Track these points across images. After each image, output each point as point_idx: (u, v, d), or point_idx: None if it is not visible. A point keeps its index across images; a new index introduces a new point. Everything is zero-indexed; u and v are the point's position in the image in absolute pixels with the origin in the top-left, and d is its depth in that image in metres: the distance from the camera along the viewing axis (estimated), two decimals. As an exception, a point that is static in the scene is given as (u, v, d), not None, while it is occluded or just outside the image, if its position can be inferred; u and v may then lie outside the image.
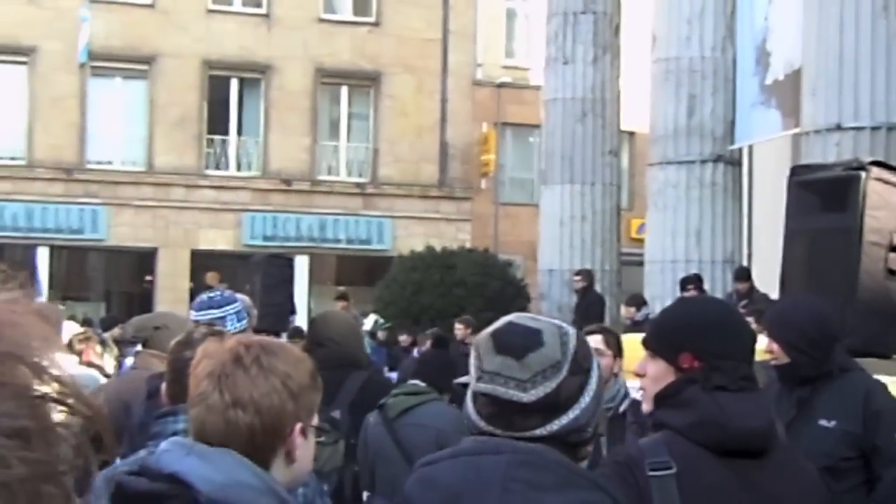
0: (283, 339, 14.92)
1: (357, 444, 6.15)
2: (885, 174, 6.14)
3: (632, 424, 5.01)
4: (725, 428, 3.05)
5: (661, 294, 16.56)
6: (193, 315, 5.53)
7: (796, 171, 6.69)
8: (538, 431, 2.29)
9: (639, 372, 3.22)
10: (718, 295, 15.80)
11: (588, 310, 17.20)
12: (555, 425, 2.28)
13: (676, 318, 3.31)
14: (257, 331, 14.16)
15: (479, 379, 2.34)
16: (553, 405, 2.29)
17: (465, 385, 4.93)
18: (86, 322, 15.54)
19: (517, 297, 20.30)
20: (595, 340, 5.28)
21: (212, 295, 5.64)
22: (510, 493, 2.19)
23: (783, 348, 4.97)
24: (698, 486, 3.02)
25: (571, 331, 2.38)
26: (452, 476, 2.24)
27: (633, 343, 5.03)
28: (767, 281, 10.67)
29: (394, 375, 17.00)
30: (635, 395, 4.96)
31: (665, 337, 3.24)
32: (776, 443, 3.16)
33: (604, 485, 2.31)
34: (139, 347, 6.54)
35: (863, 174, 6.04)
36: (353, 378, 6.27)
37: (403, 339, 17.55)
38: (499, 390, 2.30)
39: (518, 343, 2.32)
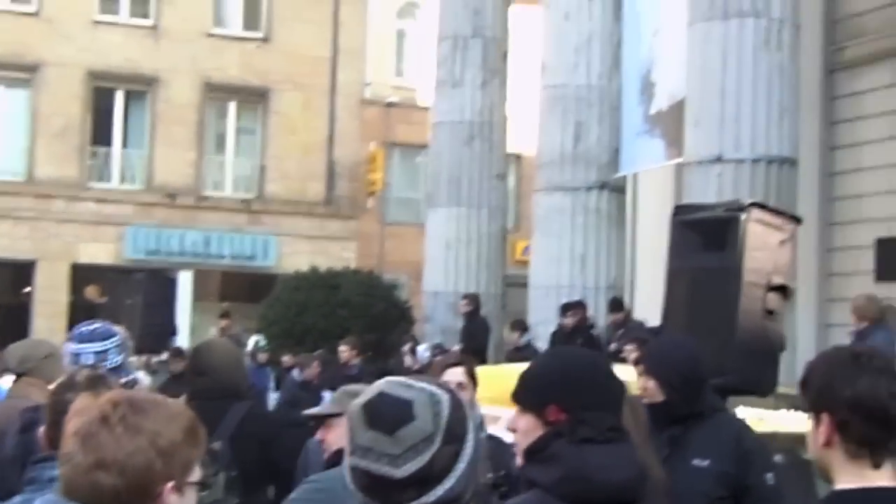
0: (164, 356, 14.78)
1: (237, 476, 6.09)
2: (765, 216, 6.26)
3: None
4: (590, 482, 3.02)
5: (544, 319, 16.69)
6: (74, 347, 5.42)
7: (679, 210, 6.79)
8: None
9: (510, 427, 3.21)
10: (601, 321, 16.00)
11: (473, 335, 17.27)
12: (430, 497, 2.27)
13: (542, 370, 3.26)
14: (139, 351, 14.00)
15: (352, 453, 2.31)
16: (426, 478, 2.27)
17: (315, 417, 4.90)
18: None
19: (401, 319, 20.28)
20: (457, 374, 5.31)
21: (94, 327, 5.53)
22: None
23: (660, 386, 5.02)
24: None
25: (445, 397, 2.34)
26: None
27: (503, 373, 5.07)
28: (651, 307, 10.81)
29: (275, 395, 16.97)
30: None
31: (531, 390, 3.20)
32: (646, 492, 3.14)
33: None
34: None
35: (742, 215, 6.16)
36: (234, 409, 6.20)
37: (286, 359, 17.44)
38: (371, 466, 2.28)
39: (389, 417, 2.28)
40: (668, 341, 5.91)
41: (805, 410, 2.93)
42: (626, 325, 14.95)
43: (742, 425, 5.48)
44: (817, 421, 2.87)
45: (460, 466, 2.31)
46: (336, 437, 4.72)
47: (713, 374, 5.99)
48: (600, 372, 3.29)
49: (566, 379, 3.23)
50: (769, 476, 5.18)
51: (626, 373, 5.68)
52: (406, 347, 16.68)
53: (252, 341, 18.36)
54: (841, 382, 2.81)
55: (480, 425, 5.47)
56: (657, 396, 5.01)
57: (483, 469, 2.37)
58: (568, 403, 3.14)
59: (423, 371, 14.45)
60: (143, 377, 10.25)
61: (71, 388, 3.71)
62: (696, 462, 4.99)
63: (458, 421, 2.33)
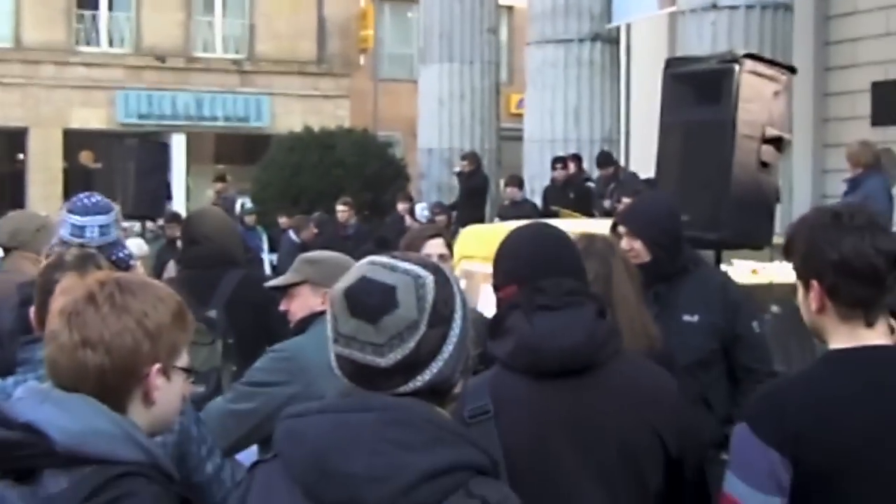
0: (160, 223, 14.76)
1: (234, 343, 6.11)
2: (759, 67, 6.16)
3: None
4: (537, 351, 3.03)
5: (539, 173, 16.65)
6: (78, 220, 5.33)
7: (671, 63, 6.68)
8: (401, 389, 2.24)
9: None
10: (595, 176, 15.95)
11: (473, 193, 17.23)
12: (417, 382, 2.24)
13: (498, 251, 3.32)
14: (133, 216, 13.95)
15: (335, 341, 2.27)
16: (413, 364, 2.23)
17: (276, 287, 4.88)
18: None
19: (396, 177, 20.21)
20: (437, 245, 5.28)
21: (95, 199, 5.44)
22: (378, 455, 2.15)
23: (647, 246, 4.99)
24: (517, 421, 3.00)
25: (429, 279, 2.27)
26: (318, 434, 2.19)
27: (499, 230, 5.04)
28: (645, 160, 10.75)
29: (273, 257, 17.01)
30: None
31: (494, 272, 3.28)
32: (606, 356, 3.10)
33: (473, 439, 2.28)
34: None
35: (736, 67, 6.05)
36: (228, 276, 6.18)
37: (282, 221, 17.42)
38: (356, 355, 2.24)
39: (372, 305, 2.23)
40: (648, 199, 5.88)
41: (795, 275, 2.91)
42: (617, 179, 14.91)
43: (725, 277, 5.51)
44: (807, 287, 2.86)
45: (447, 349, 2.27)
46: (299, 306, 4.68)
47: (707, 229, 5.98)
48: (547, 238, 3.30)
49: (510, 253, 3.28)
50: (755, 324, 5.23)
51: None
52: (403, 207, 16.64)
53: (238, 205, 18.29)
54: (825, 246, 2.79)
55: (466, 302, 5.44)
56: (644, 256, 4.98)
57: (472, 346, 2.31)
58: (519, 276, 3.14)
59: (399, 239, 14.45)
60: (142, 244, 10.22)
61: (59, 267, 3.67)
62: (686, 318, 5.00)
63: (445, 302, 2.28)
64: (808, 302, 2.86)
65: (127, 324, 2.36)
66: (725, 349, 5.16)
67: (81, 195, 5.52)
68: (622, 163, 17.30)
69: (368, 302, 2.25)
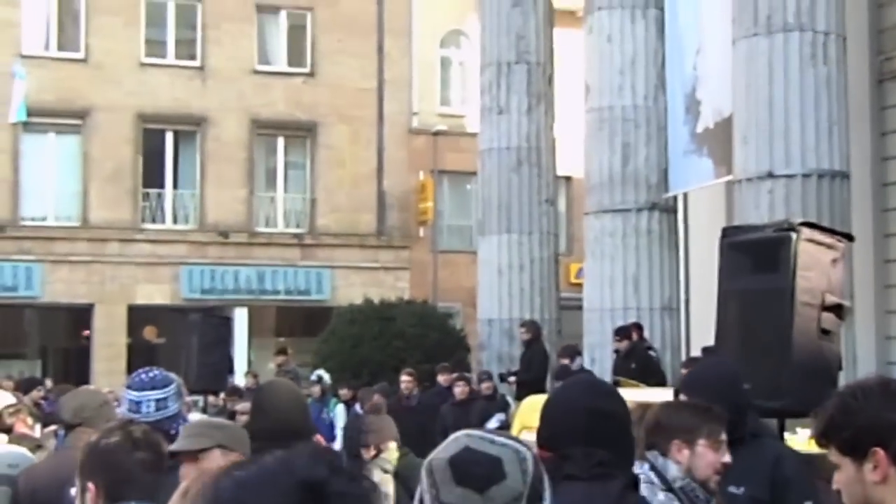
0: (220, 398, 14.85)
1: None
2: (816, 234, 6.20)
3: None
4: None
5: (600, 342, 16.63)
6: (134, 395, 5.41)
7: (727, 231, 6.74)
8: None
9: None
10: (657, 343, 15.90)
11: (531, 363, 17.21)
12: None
13: (541, 411, 3.31)
14: (195, 391, 14.05)
15: None
16: None
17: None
18: (18, 386, 15.24)
19: (457, 347, 20.26)
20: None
21: (152, 374, 5.54)
22: None
23: None
24: None
25: (529, 455, 2.30)
26: None
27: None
28: (705, 328, 10.73)
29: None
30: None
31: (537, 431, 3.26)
32: None
33: None
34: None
35: (793, 235, 6.09)
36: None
37: (343, 392, 17.46)
38: None
39: (480, 475, 2.24)
40: (710, 366, 5.82)
41: (841, 451, 2.81)
42: (631, 352, 15.05)
43: (782, 451, 5.36)
44: (860, 460, 2.76)
45: None
46: (204, 471, 4.63)
47: (769, 397, 5.94)
48: (585, 407, 3.25)
49: (548, 419, 3.26)
50: None
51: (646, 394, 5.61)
52: (444, 378, 16.78)
53: (315, 376, 18.36)
54: (886, 412, 2.73)
55: None
56: None
57: None
58: (552, 442, 3.13)
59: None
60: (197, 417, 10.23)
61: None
62: (732, 489, 4.89)
63: (539, 479, 2.30)
64: (863, 475, 2.76)
65: None
66: None
67: (140, 371, 5.61)
68: (682, 330, 17.25)
69: (476, 472, 2.24)
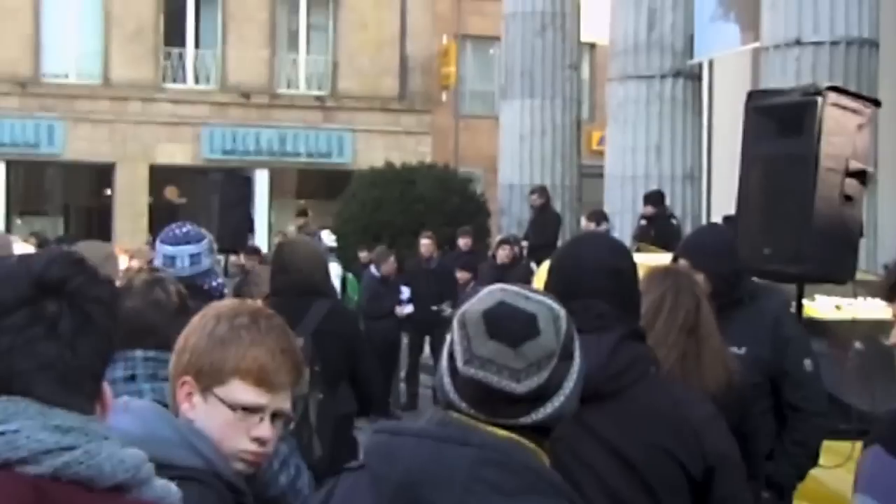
0: (241, 257, 14.93)
1: (320, 371, 6.17)
2: (842, 99, 6.13)
3: None
4: None
5: (620, 209, 16.63)
6: (169, 249, 5.42)
7: (753, 95, 6.66)
8: (522, 420, 2.22)
9: None
10: (678, 211, 15.90)
11: (543, 227, 17.25)
12: (539, 414, 2.22)
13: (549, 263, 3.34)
14: (217, 249, 14.12)
15: (467, 362, 2.23)
16: (541, 395, 2.22)
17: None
18: (41, 243, 15.38)
19: (477, 213, 20.30)
20: None
21: (186, 229, 5.54)
22: (471, 494, 2.13)
23: (708, 278, 4.97)
24: None
25: (563, 313, 2.28)
26: (413, 459, 2.17)
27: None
28: (727, 195, 10.71)
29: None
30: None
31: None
32: (625, 383, 3.06)
33: (567, 491, 2.26)
34: None
35: (819, 100, 6.02)
36: (317, 306, 6.27)
37: (363, 255, 17.55)
38: (491, 378, 2.20)
39: (514, 329, 2.22)
40: (708, 233, 5.90)
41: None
42: (653, 220, 15.04)
43: (781, 312, 5.46)
44: None
45: (569, 385, 2.26)
46: None
47: (789, 262, 5.95)
48: (583, 259, 3.27)
49: (552, 272, 3.27)
50: (807, 362, 5.20)
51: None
52: (464, 242, 16.80)
53: (316, 237, 18.42)
54: None
55: None
56: (705, 288, 4.98)
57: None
58: (555, 292, 3.14)
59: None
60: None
61: (127, 291, 3.71)
62: (733, 349, 4.95)
63: (571, 337, 2.29)
64: None
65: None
66: (774, 385, 5.15)
67: (173, 225, 5.61)
68: (704, 198, 17.23)
69: (511, 326, 2.23)
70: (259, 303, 3.66)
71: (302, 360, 2.59)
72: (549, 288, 3.17)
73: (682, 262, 5.07)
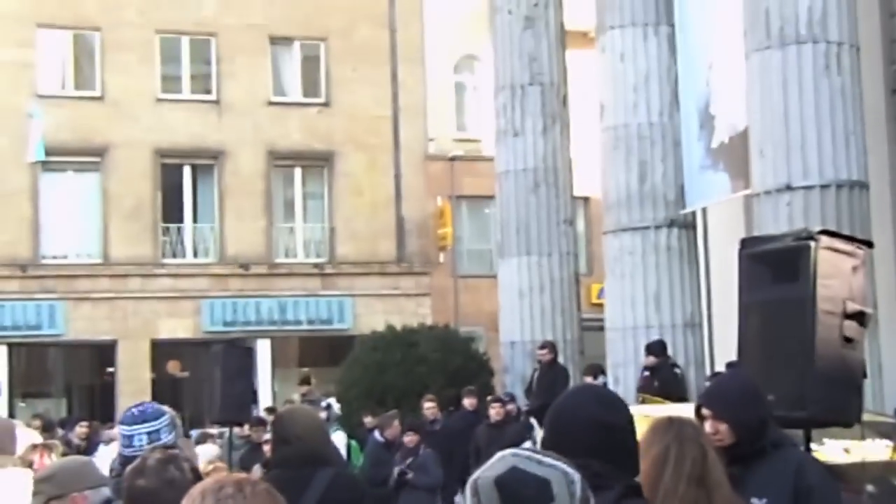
0: (245, 429, 14.84)
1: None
2: (835, 242, 6.17)
3: None
4: None
5: (623, 361, 16.60)
6: (126, 430, 5.48)
7: (746, 243, 6.71)
8: None
9: None
10: (681, 360, 15.85)
11: (552, 383, 17.15)
12: None
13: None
14: (219, 422, 14.07)
15: None
16: None
17: None
18: (46, 426, 15.30)
19: (480, 371, 20.23)
20: None
21: (143, 408, 5.61)
22: None
23: (732, 428, 4.91)
24: None
25: (577, 477, 2.27)
26: None
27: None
28: (728, 342, 10.70)
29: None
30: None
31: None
32: None
33: None
34: None
35: (812, 244, 6.06)
36: (319, 476, 6.21)
37: (368, 420, 17.44)
38: None
39: (528, 496, 2.20)
40: (732, 381, 5.79)
41: None
42: (654, 370, 14.98)
43: (804, 460, 5.32)
44: None
45: None
46: None
47: (793, 408, 5.90)
48: (585, 419, 3.20)
49: (550, 428, 3.23)
50: None
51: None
52: (469, 402, 16.75)
53: (325, 404, 18.35)
54: None
55: None
56: (728, 439, 4.90)
57: None
58: (543, 445, 3.10)
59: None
60: (212, 450, 10.23)
61: (142, 472, 3.69)
62: (755, 501, 4.85)
63: (587, 501, 2.26)
64: None
65: None
66: None
67: (133, 406, 5.68)
68: (706, 346, 17.21)
69: (524, 493, 2.21)
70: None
71: None
72: (546, 446, 3.13)
73: (706, 411, 5.00)
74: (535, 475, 2.24)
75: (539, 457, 2.30)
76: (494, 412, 15.87)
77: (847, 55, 13.40)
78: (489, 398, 16.76)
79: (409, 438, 14.97)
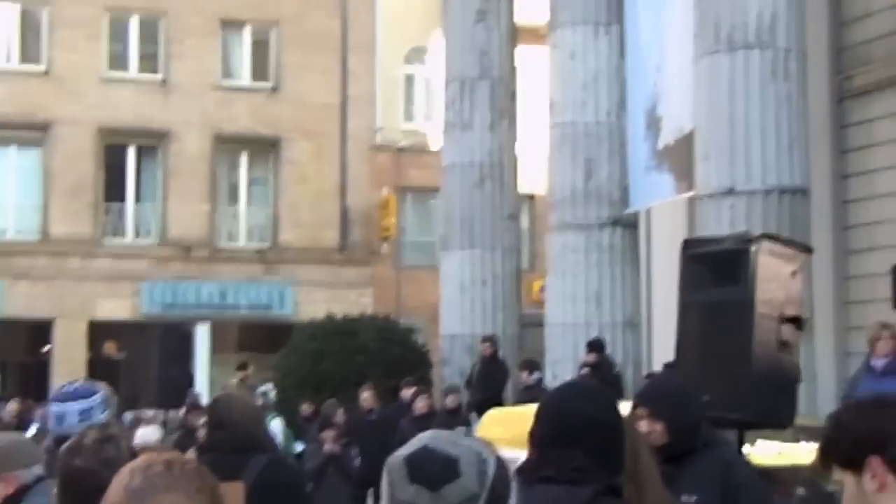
0: (181, 412, 14.77)
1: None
2: (775, 247, 6.23)
3: None
4: None
5: (561, 357, 16.66)
6: (56, 407, 5.41)
7: (688, 244, 6.77)
8: None
9: None
10: (619, 358, 15.94)
11: (491, 377, 17.21)
12: None
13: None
14: (157, 405, 14.00)
15: None
16: None
17: None
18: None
19: (419, 363, 20.23)
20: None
21: (75, 386, 5.54)
22: None
23: (668, 428, 4.95)
24: None
25: (491, 457, 2.28)
26: None
27: (521, 414, 5.02)
28: (667, 343, 10.79)
29: (299, 446, 16.91)
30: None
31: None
32: None
33: None
34: None
35: (753, 247, 6.13)
36: (254, 461, 6.18)
37: (304, 408, 17.39)
38: None
39: (434, 473, 2.21)
40: (668, 382, 5.84)
41: (840, 465, 2.81)
42: (597, 367, 14.99)
43: (734, 459, 5.40)
44: (860, 470, 2.75)
45: None
46: None
47: (729, 408, 5.96)
48: (570, 409, 3.21)
49: (539, 419, 3.22)
50: None
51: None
52: (407, 392, 16.63)
53: (260, 391, 18.26)
54: (885, 422, 2.74)
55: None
56: (663, 439, 4.95)
57: None
58: (536, 439, 3.11)
59: None
60: (152, 432, 10.16)
61: (78, 451, 3.65)
62: (685, 498, 4.92)
63: (503, 483, 2.26)
64: (865, 483, 2.74)
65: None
66: None
67: (66, 383, 5.61)
68: (644, 345, 17.31)
69: (430, 469, 2.23)
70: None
71: (222, 497, 2.53)
72: (533, 433, 3.14)
73: (641, 410, 5.04)
74: (443, 452, 2.26)
75: (457, 438, 2.32)
76: (420, 405, 15.81)
77: (794, 62, 13.54)
78: (413, 390, 16.52)
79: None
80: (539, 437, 2.91)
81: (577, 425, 3.17)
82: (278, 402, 18.33)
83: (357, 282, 30.65)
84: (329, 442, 14.42)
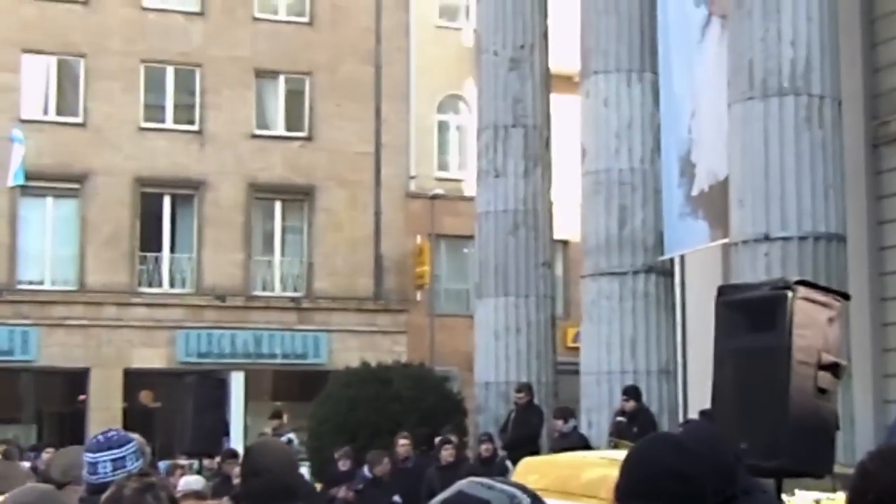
0: (216, 461, 14.76)
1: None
2: (811, 293, 6.19)
3: None
4: None
5: (597, 405, 16.57)
6: (90, 457, 5.40)
7: (723, 290, 6.73)
8: None
9: None
10: (654, 406, 15.83)
11: (526, 424, 17.11)
12: None
13: None
14: (190, 454, 14.00)
15: None
16: None
17: None
18: (6, 454, 15.12)
19: (454, 411, 20.14)
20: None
21: (109, 435, 5.54)
22: None
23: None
24: None
25: (526, 499, 2.28)
26: None
27: (555, 462, 4.99)
28: (702, 390, 10.72)
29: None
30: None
31: None
32: None
33: None
34: None
35: (789, 293, 6.09)
36: (291, 509, 6.17)
37: (341, 463, 17.29)
38: None
39: None
40: (695, 428, 5.78)
41: None
42: (634, 415, 14.88)
43: None
44: None
45: None
46: None
47: (766, 457, 5.90)
48: (649, 461, 3.16)
49: (623, 471, 3.17)
50: None
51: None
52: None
53: (285, 439, 18.23)
54: None
55: None
56: None
57: None
58: (617, 492, 3.08)
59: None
60: (199, 479, 10.19)
61: (118, 501, 3.65)
62: None
63: None
64: None
65: None
66: None
67: (99, 433, 5.61)
68: (680, 393, 17.20)
69: None
70: None
71: None
72: (618, 486, 3.10)
73: None
74: (476, 497, 2.26)
75: (493, 482, 2.32)
76: (446, 454, 15.73)
77: (829, 108, 13.50)
78: (439, 439, 16.46)
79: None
80: (620, 490, 2.88)
81: (657, 477, 3.10)
82: (310, 451, 18.26)
83: (391, 329, 30.65)
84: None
